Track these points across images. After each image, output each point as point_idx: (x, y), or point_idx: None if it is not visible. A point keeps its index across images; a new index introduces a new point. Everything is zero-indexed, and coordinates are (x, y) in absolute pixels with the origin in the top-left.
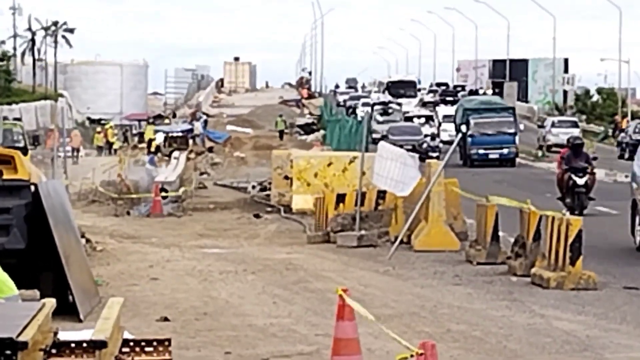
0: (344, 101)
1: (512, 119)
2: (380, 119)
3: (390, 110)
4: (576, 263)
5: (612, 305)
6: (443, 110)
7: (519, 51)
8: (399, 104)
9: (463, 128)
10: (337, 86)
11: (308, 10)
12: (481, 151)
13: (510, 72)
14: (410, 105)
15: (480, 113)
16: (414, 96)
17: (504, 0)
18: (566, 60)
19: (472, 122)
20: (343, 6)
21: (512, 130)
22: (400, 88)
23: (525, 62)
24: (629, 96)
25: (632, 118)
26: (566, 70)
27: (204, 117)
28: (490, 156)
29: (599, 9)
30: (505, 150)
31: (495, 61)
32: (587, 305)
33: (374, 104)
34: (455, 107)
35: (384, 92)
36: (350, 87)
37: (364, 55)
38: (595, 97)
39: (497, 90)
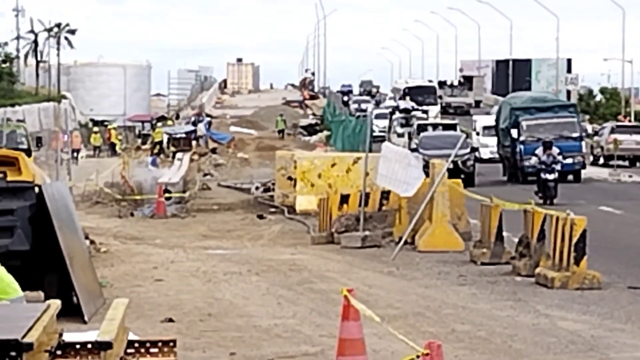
0: (356, 111)
1: (574, 119)
2: (400, 130)
3: (412, 121)
4: (580, 263)
5: (617, 305)
6: (482, 120)
7: (522, 51)
8: (425, 112)
9: (513, 132)
10: (348, 91)
11: (311, 11)
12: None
13: (513, 72)
14: (430, 114)
15: (533, 113)
16: (435, 103)
17: (507, 1)
18: (569, 61)
19: (523, 124)
20: (346, 7)
21: (576, 134)
22: (419, 95)
23: (528, 62)
24: (632, 96)
25: (636, 118)
26: (569, 70)
27: (207, 118)
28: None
29: (602, 9)
30: (568, 160)
31: (498, 61)
32: (591, 305)
33: (393, 111)
34: (497, 107)
35: (403, 98)
36: (365, 92)
37: (367, 56)
38: (599, 97)
39: (463, 83)
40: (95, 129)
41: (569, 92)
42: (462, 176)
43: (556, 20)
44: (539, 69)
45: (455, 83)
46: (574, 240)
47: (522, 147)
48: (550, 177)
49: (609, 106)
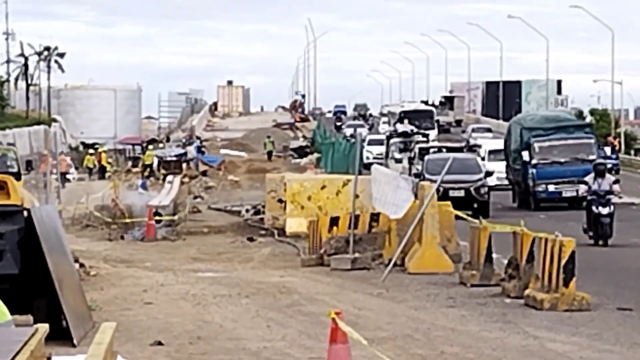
0: (351, 137)
1: (591, 140)
2: (399, 155)
3: (411, 145)
4: (570, 284)
5: (606, 326)
6: (489, 144)
7: (512, 73)
8: (425, 135)
9: (525, 155)
10: (342, 112)
11: (301, 34)
12: (551, 187)
13: (504, 93)
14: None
15: (547, 134)
16: (432, 127)
17: (497, 23)
18: (559, 82)
19: (536, 146)
20: (336, 30)
21: (592, 157)
22: (415, 119)
23: (518, 83)
24: (622, 117)
25: (625, 139)
26: (559, 92)
27: (197, 141)
28: (565, 194)
29: (591, 31)
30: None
31: (488, 83)
32: (580, 326)
33: (390, 136)
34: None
35: (401, 121)
36: (360, 116)
37: (357, 78)
38: (589, 118)
39: (444, 103)
40: (91, 151)
41: None
42: (476, 205)
43: (546, 42)
44: (529, 91)
45: (437, 103)
46: (563, 261)
47: (534, 170)
48: (605, 211)
49: (599, 127)
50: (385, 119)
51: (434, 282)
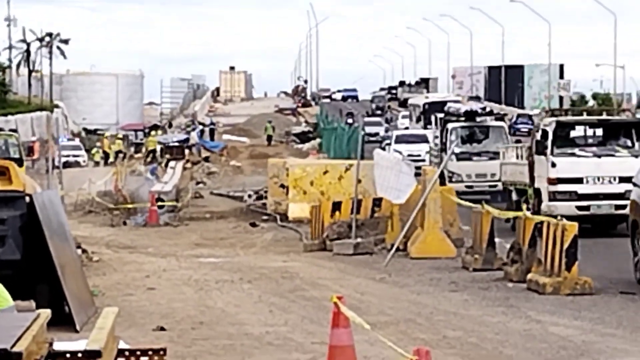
0: (368, 135)
1: None
2: (457, 150)
3: (481, 135)
4: (572, 268)
5: (609, 310)
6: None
7: (515, 57)
8: (500, 118)
9: None
10: (354, 96)
11: (303, 19)
12: None
13: (506, 78)
14: None
15: None
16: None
17: (499, 7)
18: (561, 66)
19: None
20: (338, 15)
21: None
22: (440, 112)
23: (520, 68)
24: (624, 101)
25: None
26: (562, 76)
27: (200, 127)
28: None
29: (593, 15)
30: None
31: (490, 67)
32: (583, 310)
33: (447, 120)
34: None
35: (423, 115)
36: (378, 109)
37: (359, 63)
38: (591, 103)
39: (419, 83)
40: (98, 143)
41: (561, 98)
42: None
43: (548, 25)
44: (532, 75)
45: (413, 83)
46: (565, 245)
47: None
48: None
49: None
50: (405, 112)
51: (436, 267)
